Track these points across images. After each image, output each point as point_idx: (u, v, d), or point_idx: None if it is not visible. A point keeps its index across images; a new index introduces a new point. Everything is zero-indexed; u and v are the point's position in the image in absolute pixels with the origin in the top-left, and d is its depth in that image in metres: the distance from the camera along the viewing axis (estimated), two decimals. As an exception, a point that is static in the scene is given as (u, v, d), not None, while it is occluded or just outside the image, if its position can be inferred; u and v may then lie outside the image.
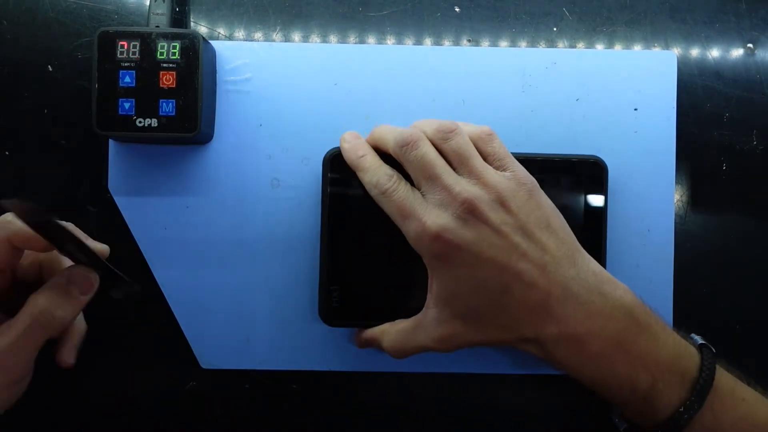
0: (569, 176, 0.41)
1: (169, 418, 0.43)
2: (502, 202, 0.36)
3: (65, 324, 0.34)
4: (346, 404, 0.44)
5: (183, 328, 0.43)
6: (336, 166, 0.41)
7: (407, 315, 0.40)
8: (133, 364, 0.43)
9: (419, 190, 0.37)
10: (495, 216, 0.35)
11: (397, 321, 0.40)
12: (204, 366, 0.43)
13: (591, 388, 0.37)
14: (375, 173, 0.38)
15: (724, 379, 0.36)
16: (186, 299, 0.43)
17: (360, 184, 0.40)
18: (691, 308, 0.40)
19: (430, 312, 0.38)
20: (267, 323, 0.43)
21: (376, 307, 0.41)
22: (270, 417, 0.43)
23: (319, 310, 0.41)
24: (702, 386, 0.35)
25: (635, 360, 0.35)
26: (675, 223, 0.44)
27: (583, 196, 0.42)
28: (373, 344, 0.40)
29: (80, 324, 0.39)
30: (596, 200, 0.42)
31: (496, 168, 0.37)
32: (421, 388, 0.44)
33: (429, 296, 0.38)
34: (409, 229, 0.36)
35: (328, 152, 0.41)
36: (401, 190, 0.37)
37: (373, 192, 0.38)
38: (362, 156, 0.39)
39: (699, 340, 0.39)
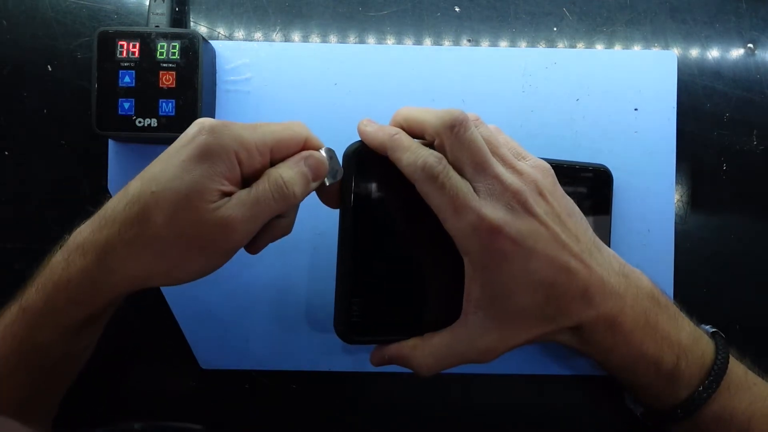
0: (576, 183, 0.41)
1: (169, 418, 0.43)
2: (540, 192, 0.34)
3: (293, 203, 0.33)
4: (346, 404, 0.44)
5: (183, 328, 0.43)
6: (363, 161, 0.35)
7: (438, 328, 0.35)
8: (133, 365, 0.43)
9: (464, 177, 0.34)
10: (539, 207, 0.34)
11: (427, 335, 0.35)
12: (204, 366, 0.43)
13: (617, 373, 0.37)
14: (419, 153, 0.33)
15: (737, 363, 0.37)
16: (186, 300, 0.42)
17: (387, 182, 0.35)
18: (691, 308, 0.40)
19: (471, 319, 0.34)
20: (267, 323, 0.43)
21: (403, 321, 0.36)
22: (270, 417, 0.43)
23: (335, 324, 0.35)
24: (719, 367, 0.35)
25: (661, 339, 0.35)
26: (675, 223, 0.44)
27: (590, 204, 0.41)
28: (399, 362, 0.36)
29: (288, 226, 0.36)
30: (603, 207, 0.42)
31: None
32: (422, 389, 0.44)
33: (467, 303, 0.35)
34: (459, 223, 0.33)
35: (350, 146, 0.35)
36: (453, 177, 0.33)
37: (417, 175, 0.33)
38: (396, 134, 0.34)
39: (710, 329, 0.39)
